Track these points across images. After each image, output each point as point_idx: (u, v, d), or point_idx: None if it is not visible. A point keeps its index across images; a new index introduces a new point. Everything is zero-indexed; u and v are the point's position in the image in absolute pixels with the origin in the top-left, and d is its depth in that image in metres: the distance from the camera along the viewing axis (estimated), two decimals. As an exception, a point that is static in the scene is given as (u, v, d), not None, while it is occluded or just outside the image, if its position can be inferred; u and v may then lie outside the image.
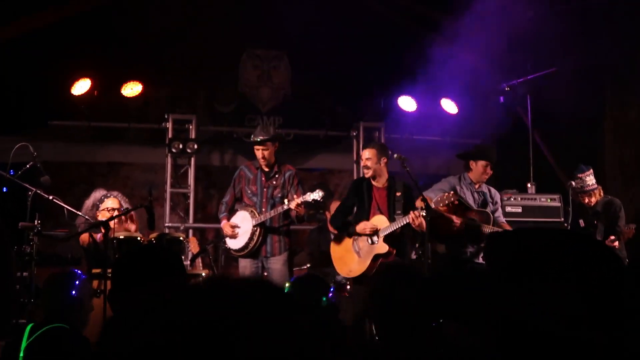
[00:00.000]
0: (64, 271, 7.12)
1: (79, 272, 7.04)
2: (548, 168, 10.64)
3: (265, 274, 8.09)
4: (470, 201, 8.12)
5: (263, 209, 8.05)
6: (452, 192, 7.66)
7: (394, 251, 7.61)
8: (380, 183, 7.89)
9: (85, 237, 7.87)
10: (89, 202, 8.16)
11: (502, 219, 8.23)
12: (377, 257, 7.58)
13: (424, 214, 7.51)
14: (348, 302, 8.12)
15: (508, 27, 10.30)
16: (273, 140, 8.13)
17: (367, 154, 7.89)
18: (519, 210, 9.06)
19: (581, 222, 8.72)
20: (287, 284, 4.26)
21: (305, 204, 7.83)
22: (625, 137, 10.66)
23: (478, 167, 8.17)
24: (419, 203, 7.61)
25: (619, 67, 10.48)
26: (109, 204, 8.09)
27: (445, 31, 11.02)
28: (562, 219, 8.92)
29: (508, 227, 8.04)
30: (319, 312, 3.98)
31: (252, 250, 7.99)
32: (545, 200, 9.19)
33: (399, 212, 7.65)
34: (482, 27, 10.82)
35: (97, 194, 8.25)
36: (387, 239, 7.59)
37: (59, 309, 4.99)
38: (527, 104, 10.30)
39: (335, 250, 7.93)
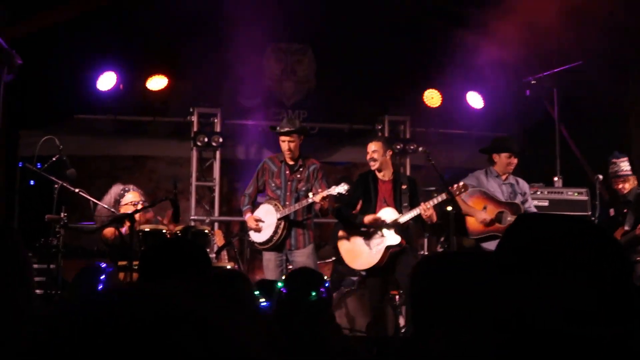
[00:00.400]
0: (90, 265, 7.18)
1: (104, 265, 7.10)
2: (575, 161, 10.54)
3: (290, 266, 8.10)
4: (499, 194, 8.13)
5: (287, 202, 8.06)
6: (461, 183, 7.65)
7: (404, 242, 7.74)
8: (386, 176, 8.00)
9: (110, 230, 7.92)
10: (108, 198, 8.20)
11: (533, 209, 8.22)
12: (388, 248, 7.70)
13: (450, 208, 7.58)
14: (364, 295, 8.15)
15: (534, 20, 10.22)
16: (299, 133, 8.14)
17: (372, 147, 7.96)
18: (546, 204, 9.00)
19: (611, 211, 8.63)
20: (283, 277, 4.23)
21: (330, 197, 7.83)
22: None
23: (501, 159, 8.22)
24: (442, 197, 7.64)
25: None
26: (130, 197, 8.12)
27: (471, 24, 10.94)
28: (590, 213, 8.85)
29: None
30: (307, 307, 3.96)
31: (277, 244, 8.00)
32: (572, 194, 9.13)
33: (406, 204, 7.76)
34: (509, 20, 10.75)
35: (116, 188, 8.30)
36: (396, 229, 7.70)
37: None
38: (554, 97, 10.22)
39: (343, 244, 8.02)
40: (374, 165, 7.94)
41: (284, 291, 4.04)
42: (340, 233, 8.07)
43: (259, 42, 11.37)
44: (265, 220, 8.07)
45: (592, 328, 1.57)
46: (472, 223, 8.05)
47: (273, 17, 10.65)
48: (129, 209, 7.83)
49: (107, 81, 10.72)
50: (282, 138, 8.12)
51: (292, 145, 8.08)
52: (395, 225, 7.70)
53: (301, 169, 8.17)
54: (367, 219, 7.74)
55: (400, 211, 7.72)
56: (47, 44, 9.97)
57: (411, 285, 2.68)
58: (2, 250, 2.06)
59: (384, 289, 7.90)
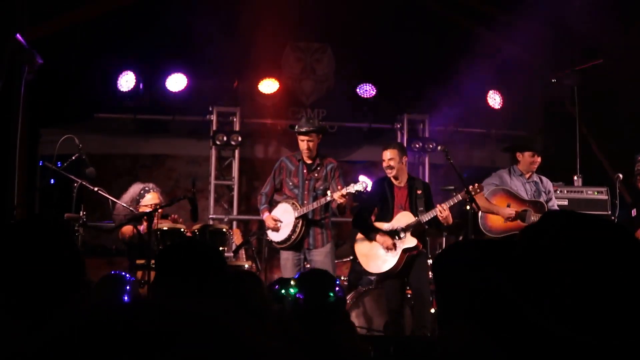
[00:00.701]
0: (112, 275, 7.23)
1: (127, 275, 7.15)
2: (595, 160, 10.47)
3: (308, 265, 8.10)
4: (522, 192, 8.14)
5: (305, 201, 8.06)
6: (476, 185, 7.64)
7: (421, 245, 7.81)
8: (401, 182, 8.02)
9: (128, 229, 7.96)
10: (127, 196, 8.24)
11: (556, 208, 8.22)
12: (405, 251, 7.73)
13: (468, 208, 7.62)
14: (382, 294, 8.14)
15: (554, 18, 10.16)
16: (318, 132, 8.15)
17: (389, 154, 7.97)
18: (565, 203, 8.94)
19: (634, 211, 8.56)
20: (292, 282, 4.20)
21: (349, 195, 7.84)
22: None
23: (525, 158, 8.24)
24: (463, 195, 7.64)
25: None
26: (149, 199, 8.15)
27: (491, 23, 10.91)
28: (609, 212, 8.78)
29: None
30: (328, 307, 3.96)
31: (295, 243, 8.01)
32: (592, 193, 9.06)
33: (421, 208, 7.79)
34: (529, 19, 10.69)
35: (136, 187, 8.33)
36: (413, 232, 7.75)
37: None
38: (574, 95, 10.15)
39: (360, 247, 8.03)
40: (391, 173, 7.97)
41: (301, 296, 4.01)
42: (358, 236, 8.09)
43: (279, 41, 11.39)
44: (283, 220, 8.07)
45: (586, 335, 1.55)
46: (495, 221, 8.05)
47: (292, 16, 10.67)
48: (149, 209, 7.87)
49: (127, 80, 10.77)
50: (301, 137, 8.13)
51: (310, 144, 8.10)
52: (412, 228, 7.73)
53: (319, 168, 8.17)
54: (380, 239, 7.79)
55: (416, 216, 7.76)
56: (67, 43, 10.04)
57: (434, 275, 2.64)
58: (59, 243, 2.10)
59: (402, 291, 7.92)
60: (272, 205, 8.30)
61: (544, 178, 8.39)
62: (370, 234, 7.87)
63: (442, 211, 7.55)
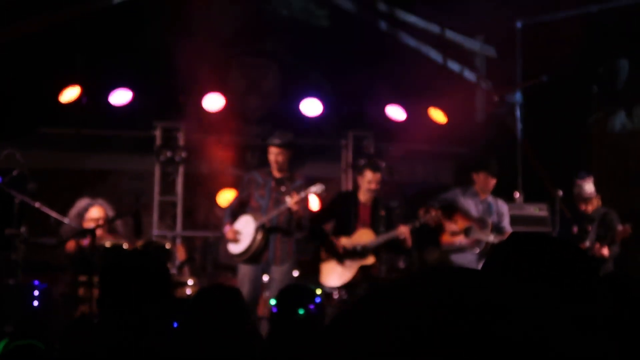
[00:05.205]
0: (22, 283, 7.19)
1: (37, 282, 7.09)
2: (536, 178, 10.64)
3: (266, 280, 8.09)
4: (473, 210, 8.36)
5: (269, 213, 8.07)
6: (433, 212, 7.90)
7: (377, 263, 8.04)
8: (368, 200, 8.16)
9: (71, 245, 7.86)
10: (73, 211, 8.14)
11: (508, 228, 8.44)
12: (362, 268, 7.88)
13: (417, 225, 7.79)
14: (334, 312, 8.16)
15: (498, 36, 10.35)
16: (289, 147, 8.17)
17: (378, 177, 8.17)
18: (506, 219, 9.07)
19: (575, 228, 8.73)
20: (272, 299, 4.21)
21: (307, 212, 7.93)
22: (610, 146, 10.68)
23: (480, 178, 8.51)
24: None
25: (604, 75, 10.52)
26: (94, 213, 8.06)
27: (435, 40, 11.05)
28: (550, 229, 8.91)
29: None
30: (296, 324, 3.94)
31: (253, 254, 7.94)
32: (532, 210, 9.20)
33: (383, 229, 7.98)
34: (472, 37, 10.87)
35: (82, 202, 8.23)
36: (371, 250, 7.95)
37: (23, 320, 4.99)
38: (516, 113, 10.32)
39: (323, 260, 8.10)
40: (375, 195, 8.16)
41: (274, 310, 4.00)
42: (322, 252, 8.18)
43: (224, 57, 11.37)
44: (243, 232, 8.04)
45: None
46: (442, 235, 8.29)
47: (238, 31, 10.67)
48: (92, 225, 7.78)
49: (70, 94, 10.61)
50: (271, 150, 8.17)
51: (280, 158, 8.15)
52: (372, 247, 7.90)
53: (287, 182, 8.19)
54: (344, 242, 7.94)
55: (378, 234, 7.96)
56: (9, 56, 9.89)
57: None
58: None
59: None
60: (235, 219, 8.25)
61: (500, 200, 8.62)
62: (331, 248, 7.98)
63: (401, 233, 7.69)
